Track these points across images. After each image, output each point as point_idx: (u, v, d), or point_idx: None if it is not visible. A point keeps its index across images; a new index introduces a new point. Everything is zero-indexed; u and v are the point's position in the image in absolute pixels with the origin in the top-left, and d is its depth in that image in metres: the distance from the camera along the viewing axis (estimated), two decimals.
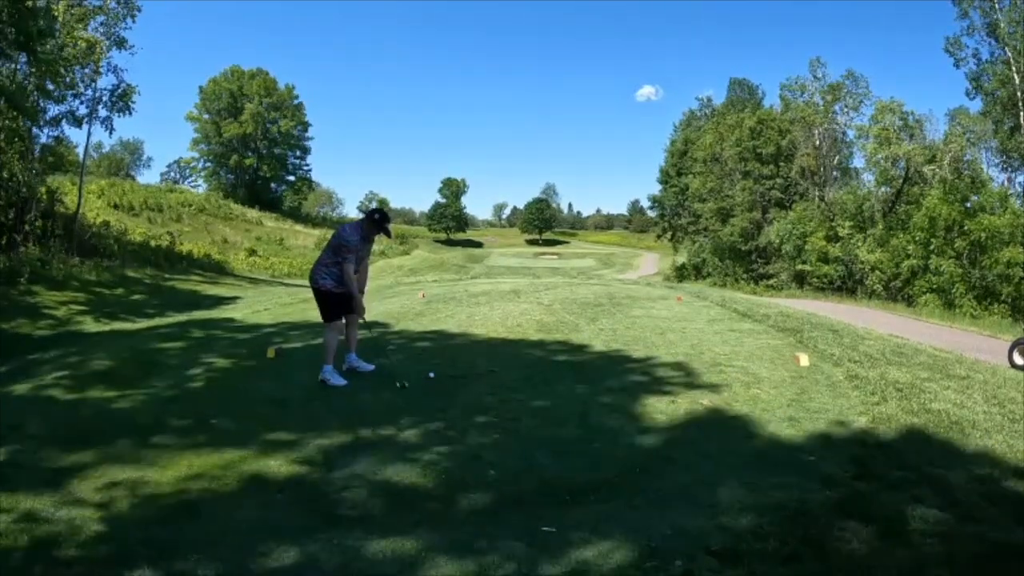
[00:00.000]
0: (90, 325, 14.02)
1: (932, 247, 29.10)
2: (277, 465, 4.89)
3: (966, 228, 28.23)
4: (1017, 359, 11.33)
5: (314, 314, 8.25)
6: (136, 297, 18.78)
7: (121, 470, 4.78)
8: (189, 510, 4.13)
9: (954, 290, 27.62)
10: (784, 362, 8.26)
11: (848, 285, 33.84)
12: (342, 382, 7.17)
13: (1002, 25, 33.29)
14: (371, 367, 7.76)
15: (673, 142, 67.82)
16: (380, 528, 3.89)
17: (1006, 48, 33.37)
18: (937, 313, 24.60)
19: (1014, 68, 32.90)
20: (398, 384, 6.95)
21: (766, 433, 5.57)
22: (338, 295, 7.35)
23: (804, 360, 8.12)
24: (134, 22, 24.88)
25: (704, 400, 6.53)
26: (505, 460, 4.96)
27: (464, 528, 3.88)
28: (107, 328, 13.45)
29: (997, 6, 33.77)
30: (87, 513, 4.09)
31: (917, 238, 29.88)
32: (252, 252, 42.75)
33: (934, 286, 28.48)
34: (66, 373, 8.18)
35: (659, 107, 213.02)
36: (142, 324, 13.72)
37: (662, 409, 6.22)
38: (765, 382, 7.24)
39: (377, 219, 7.47)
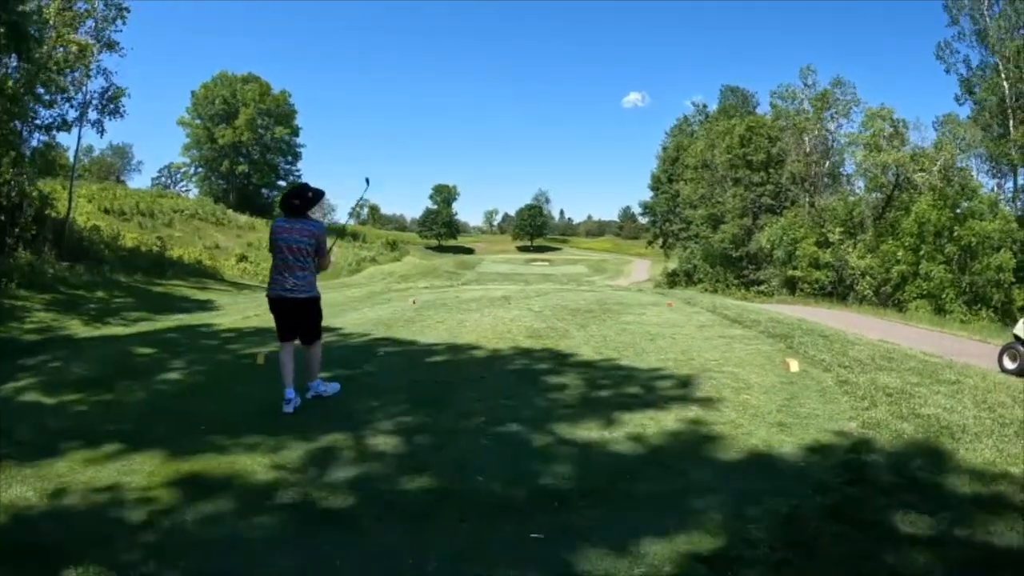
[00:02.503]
0: (79, 330, 13.92)
1: (922, 253, 29.22)
2: (264, 471, 4.85)
3: (956, 234, 28.36)
4: (1007, 363, 11.37)
5: None
6: (125, 302, 18.67)
7: (106, 474, 4.73)
8: (176, 516, 4.08)
9: (944, 295, 27.72)
10: (774, 368, 8.26)
11: (839, 291, 33.94)
12: (336, 387, 6.87)
13: (991, 32, 33.55)
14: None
15: (665, 148, 67.94)
16: (367, 535, 3.85)
17: (995, 55, 33.61)
18: (927, 318, 24.68)
19: (1003, 75, 33.13)
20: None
21: (756, 439, 5.55)
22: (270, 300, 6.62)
23: (794, 366, 8.12)
24: (124, 24, 24.83)
25: (694, 406, 6.51)
26: (494, 466, 4.92)
27: (452, 535, 3.85)
28: (96, 333, 13.36)
29: (987, 13, 34.03)
30: (72, 517, 4.04)
31: (907, 243, 30.01)
32: (243, 258, 42.64)
33: (924, 291, 28.59)
34: (53, 377, 8.12)
35: (645, 113, 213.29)
36: (131, 329, 13.63)
37: (652, 415, 6.19)
38: (755, 388, 7.23)
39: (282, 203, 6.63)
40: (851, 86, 39.93)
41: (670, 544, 3.68)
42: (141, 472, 4.79)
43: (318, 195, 6.56)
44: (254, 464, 4.98)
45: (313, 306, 6.55)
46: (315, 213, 6.71)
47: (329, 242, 6.66)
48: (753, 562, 3.47)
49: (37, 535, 3.82)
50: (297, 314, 6.51)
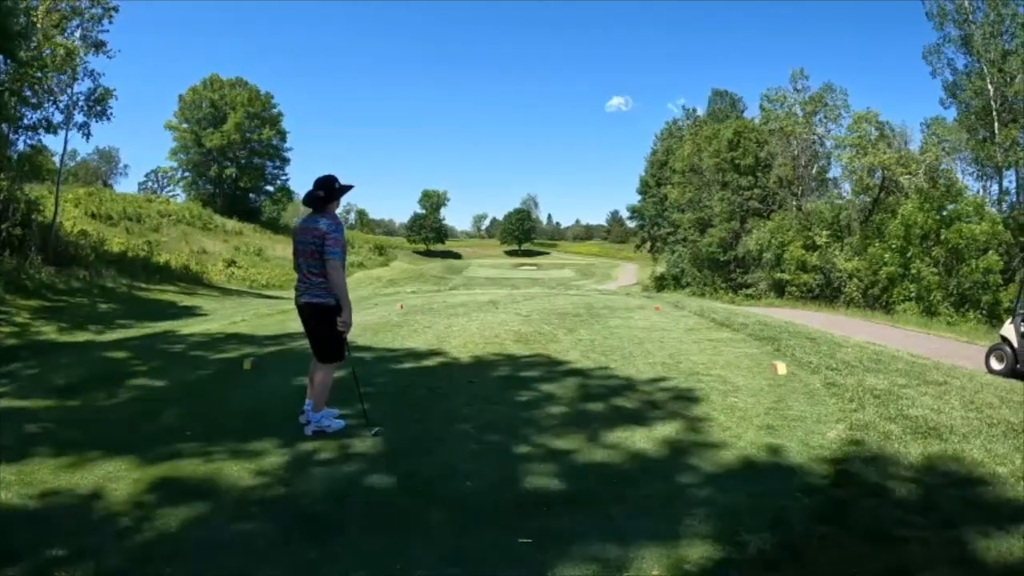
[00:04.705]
0: (64, 336, 13.82)
1: (910, 255, 29.36)
2: (250, 476, 4.80)
3: (943, 237, 28.51)
4: (994, 364, 11.45)
5: (295, 325, 7.14)
6: (112, 307, 18.55)
7: (90, 480, 4.67)
8: (160, 522, 4.03)
9: (932, 298, 27.85)
10: (762, 371, 8.27)
11: (827, 294, 34.05)
12: (341, 424, 5.99)
13: (976, 38, 33.81)
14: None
15: (654, 152, 68.06)
16: (355, 540, 3.82)
17: (980, 60, 33.87)
18: (915, 321, 24.80)
19: (988, 79, 33.38)
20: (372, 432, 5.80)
21: (744, 442, 5.56)
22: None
23: (782, 368, 8.14)
24: (111, 22, 24.59)
25: (682, 410, 6.51)
26: (482, 471, 4.90)
27: (440, 540, 3.82)
28: (81, 339, 13.26)
29: (971, 19, 34.29)
30: (56, 522, 3.99)
31: (893, 246, 30.15)
32: (231, 263, 42.38)
33: (912, 294, 28.72)
34: (35, 383, 8.05)
35: (629, 117, 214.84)
36: (117, 335, 13.54)
37: (639, 419, 6.19)
38: (743, 391, 7.24)
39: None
40: (842, 92, 40.18)
41: (658, 548, 3.67)
42: (126, 478, 4.74)
43: (344, 188, 5.85)
44: (239, 470, 4.93)
45: (319, 314, 5.69)
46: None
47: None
48: (741, 565, 3.47)
49: (20, 541, 3.77)
50: (306, 322, 5.90)
